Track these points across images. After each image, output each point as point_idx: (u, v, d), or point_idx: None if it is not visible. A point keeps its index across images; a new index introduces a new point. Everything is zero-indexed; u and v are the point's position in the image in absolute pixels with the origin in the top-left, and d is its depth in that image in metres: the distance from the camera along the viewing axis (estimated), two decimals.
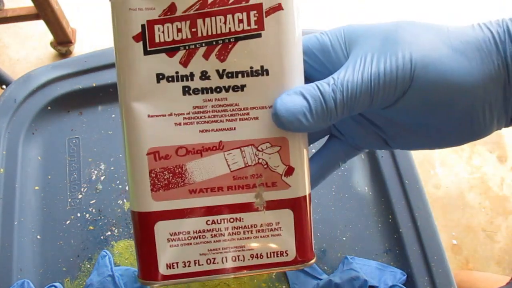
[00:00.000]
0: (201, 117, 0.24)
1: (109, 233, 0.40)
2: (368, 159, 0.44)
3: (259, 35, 0.23)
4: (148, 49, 0.23)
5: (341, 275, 0.37)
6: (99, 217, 0.41)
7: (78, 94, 0.45)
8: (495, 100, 0.23)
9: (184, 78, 0.23)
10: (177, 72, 0.23)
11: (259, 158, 0.25)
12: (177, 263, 0.25)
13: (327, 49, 0.25)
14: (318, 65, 0.26)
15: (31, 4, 1.16)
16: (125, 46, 0.23)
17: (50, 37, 1.33)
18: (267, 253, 0.25)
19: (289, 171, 0.25)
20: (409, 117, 0.25)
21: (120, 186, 0.42)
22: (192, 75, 0.23)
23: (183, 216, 0.24)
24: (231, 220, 0.25)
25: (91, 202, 0.42)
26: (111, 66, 0.46)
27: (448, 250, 1.14)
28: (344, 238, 0.40)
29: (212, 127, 0.24)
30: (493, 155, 1.27)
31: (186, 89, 0.23)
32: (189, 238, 0.25)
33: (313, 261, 0.26)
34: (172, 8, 0.23)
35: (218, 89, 0.24)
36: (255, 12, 0.23)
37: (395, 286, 0.37)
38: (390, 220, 0.41)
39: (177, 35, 0.23)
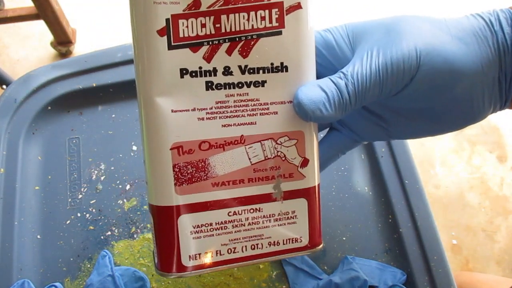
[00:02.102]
0: (223, 112, 0.24)
1: (109, 233, 0.40)
2: (368, 159, 0.44)
3: (280, 33, 0.24)
4: (173, 43, 0.23)
5: (341, 275, 0.37)
6: (99, 217, 0.41)
7: (78, 94, 0.45)
8: (492, 83, 0.25)
9: (208, 74, 0.24)
10: (200, 68, 0.24)
11: (277, 151, 0.26)
12: (199, 254, 0.25)
13: (332, 46, 0.27)
14: (323, 61, 0.27)
15: (31, 4, 1.16)
16: (149, 40, 0.23)
17: (50, 37, 1.33)
18: (283, 240, 0.27)
19: (305, 162, 0.26)
20: (415, 103, 0.26)
21: (120, 186, 0.42)
22: (215, 70, 0.24)
23: (206, 209, 0.25)
24: (251, 210, 0.26)
25: (91, 202, 0.42)
26: (111, 66, 0.46)
27: (448, 250, 1.14)
28: (344, 238, 0.40)
29: (234, 122, 0.25)
30: (493, 155, 1.27)
31: (209, 84, 0.24)
32: (212, 229, 0.25)
33: (321, 246, 0.28)
34: (196, 3, 0.23)
35: (240, 85, 0.24)
36: (276, 10, 0.24)
37: (395, 286, 0.37)
38: (390, 220, 0.41)
39: (201, 31, 0.23)
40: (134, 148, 0.44)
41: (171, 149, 0.24)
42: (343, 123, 0.31)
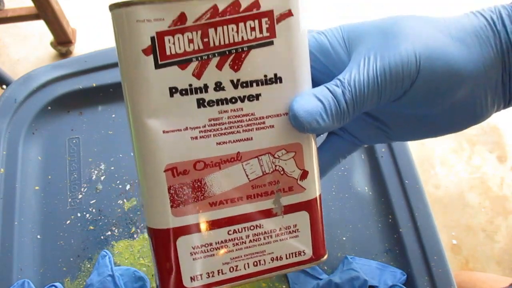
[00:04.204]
0: (217, 129, 0.24)
1: (109, 233, 0.40)
2: (368, 159, 0.44)
3: (271, 43, 0.23)
4: (160, 62, 0.22)
5: (341, 275, 0.37)
6: (99, 217, 0.41)
7: (78, 94, 0.45)
8: (495, 85, 0.24)
9: (198, 90, 0.23)
10: (190, 85, 0.23)
11: (275, 165, 0.25)
12: (201, 275, 0.25)
13: (327, 50, 0.26)
14: (318, 65, 0.26)
15: (31, 4, 1.16)
16: (134, 60, 0.22)
17: (50, 37, 1.33)
18: (286, 255, 0.26)
19: (304, 174, 0.25)
20: (415, 108, 0.25)
21: (120, 186, 0.42)
22: (206, 86, 0.23)
23: (205, 229, 0.24)
24: (252, 227, 0.25)
25: (91, 202, 0.42)
26: (111, 66, 0.46)
27: (448, 250, 1.14)
28: (344, 238, 0.40)
29: (229, 139, 0.24)
30: (493, 155, 1.27)
31: (201, 101, 0.23)
32: (212, 249, 0.25)
33: (325, 257, 0.27)
34: (182, 18, 0.22)
35: (233, 100, 0.23)
36: (266, 19, 0.23)
37: (395, 286, 0.37)
38: (390, 220, 0.41)
39: (189, 46, 0.22)
40: None
41: (165, 171, 0.23)
42: (342, 127, 0.30)
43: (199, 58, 0.22)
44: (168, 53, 0.22)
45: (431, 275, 0.38)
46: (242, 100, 0.23)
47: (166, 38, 0.22)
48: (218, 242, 0.25)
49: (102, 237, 0.40)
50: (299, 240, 0.26)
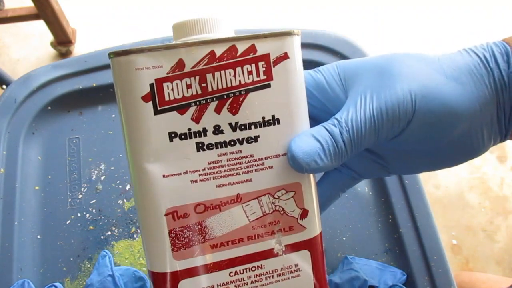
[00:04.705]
0: (217, 172, 0.24)
1: (109, 233, 0.40)
2: None
3: (269, 85, 0.23)
4: (159, 108, 0.22)
5: (341, 275, 0.37)
6: (99, 217, 0.41)
7: (78, 94, 0.45)
8: (490, 121, 0.24)
9: (197, 134, 0.23)
10: (189, 129, 0.23)
11: (275, 206, 0.25)
12: None
13: (323, 87, 0.26)
14: (315, 102, 0.27)
15: (31, 4, 1.16)
16: (134, 107, 0.22)
17: (50, 37, 1.33)
18: None
19: (304, 213, 0.25)
20: (413, 145, 0.25)
21: (120, 186, 0.42)
22: (205, 130, 0.23)
23: (207, 271, 0.24)
24: (253, 268, 0.25)
25: (91, 202, 0.42)
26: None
27: (448, 250, 1.14)
28: (344, 238, 0.40)
29: (229, 181, 0.24)
30: (493, 155, 1.27)
31: (200, 145, 0.23)
32: None
33: None
34: (180, 64, 0.22)
35: (232, 143, 0.23)
36: (263, 63, 0.23)
37: (395, 286, 0.37)
38: (390, 220, 0.41)
39: (187, 92, 0.23)
40: None
41: (165, 215, 0.23)
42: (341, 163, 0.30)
43: (198, 103, 0.23)
44: (167, 99, 0.22)
45: (431, 275, 0.38)
46: (241, 143, 0.24)
47: (165, 85, 0.22)
48: (220, 284, 0.25)
49: (102, 237, 0.40)
50: (301, 279, 0.26)
